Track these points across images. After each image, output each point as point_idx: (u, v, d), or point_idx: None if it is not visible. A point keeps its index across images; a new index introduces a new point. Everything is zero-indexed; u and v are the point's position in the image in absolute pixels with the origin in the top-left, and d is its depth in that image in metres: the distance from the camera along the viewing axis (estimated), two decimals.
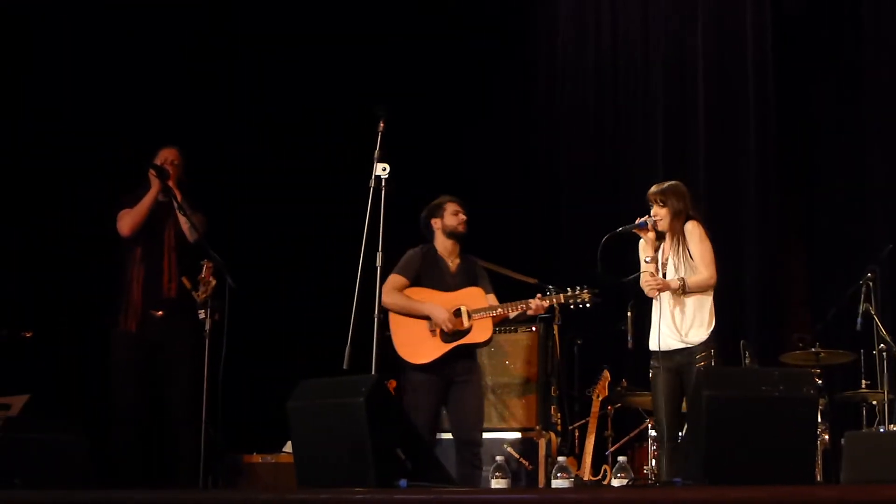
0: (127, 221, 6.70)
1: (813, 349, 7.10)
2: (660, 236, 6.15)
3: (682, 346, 5.96)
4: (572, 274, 7.44)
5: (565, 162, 9.48)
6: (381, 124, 6.10)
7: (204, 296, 6.30)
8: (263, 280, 8.01)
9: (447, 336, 6.18)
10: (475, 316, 6.20)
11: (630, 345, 6.75)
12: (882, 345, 6.83)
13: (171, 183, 6.68)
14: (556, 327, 7.69)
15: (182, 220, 6.64)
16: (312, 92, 9.09)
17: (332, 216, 8.37)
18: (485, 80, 9.65)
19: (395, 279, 6.26)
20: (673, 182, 6.24)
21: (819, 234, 8.66)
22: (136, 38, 8.23)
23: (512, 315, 6.35)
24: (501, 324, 6.86)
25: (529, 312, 6.28)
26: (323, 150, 8.91)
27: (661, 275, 6.05)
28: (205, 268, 6.34)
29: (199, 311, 6.30)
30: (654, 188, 6.16)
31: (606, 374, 7.79)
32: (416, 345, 6.19)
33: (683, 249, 6.02)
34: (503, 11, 9.66)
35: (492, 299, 6.33)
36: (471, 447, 6.17)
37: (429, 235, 6.46)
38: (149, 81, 8.22)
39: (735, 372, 5.92)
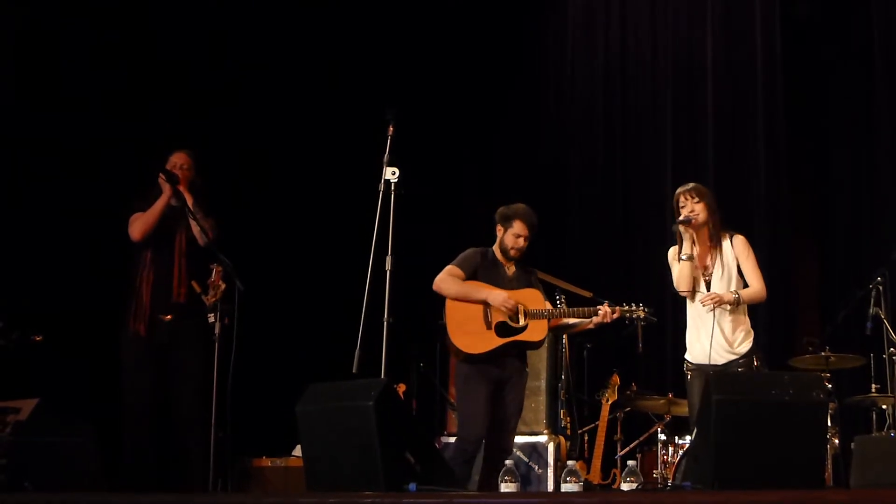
0: (138, 226, 6.71)
1: (823, 353, 7.09)
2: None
3: (732, 358, 6.01)
4: (578, 279, 7.48)
5: (575, 164, 9.49)
6: (391, 128, 6.10)
7: (213, 300, 6.31)
8: (273, 284, 8.00)
9: (501, 331, 6.14)
10: (531, 315, 6.16)
11: (640, 349, 6.75)
12: (892, 349, 6.83)
13: (181, 187, 6.70)
14: None
15: (193, 224, 6.64)
16: (322, 95, 9.10)
17: (341, 220, 8.37)
18: (495, 83, 9.66)
19: (452, 269, 6.23)
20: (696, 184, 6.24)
21: (829, 237, 8.66)
22: (144, 44, 8.25)
23: (570, 322, 6.31)
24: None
25: (596, 320, 6.18)
26: (333, 153, 8.92)
27: (703, 283, 6.06)
28: (214, 272, 6.35)
29: (209, 315, 6.31)
30: (683, 187, 6.15)
31: (616, 378, 7.79)
32: (471, 335, 6.14)
33: (731, 260, 6.05)
34: (513, 15, 9.67)
35: (547, 306, 6.29)
36: (501, 453, 6.11)
37: (494, 234, 6.41)
38: (162, 85, 8.23)
39: (745, 376, 5.91)
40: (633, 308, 6.19)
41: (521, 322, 6.16)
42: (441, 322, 6.23)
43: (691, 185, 6.17)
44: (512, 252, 6.30)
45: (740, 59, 8.86)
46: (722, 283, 6.03)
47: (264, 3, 8.99)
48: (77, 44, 8.00)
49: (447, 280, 6.20)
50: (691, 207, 6.07)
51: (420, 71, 9.26)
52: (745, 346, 6.04)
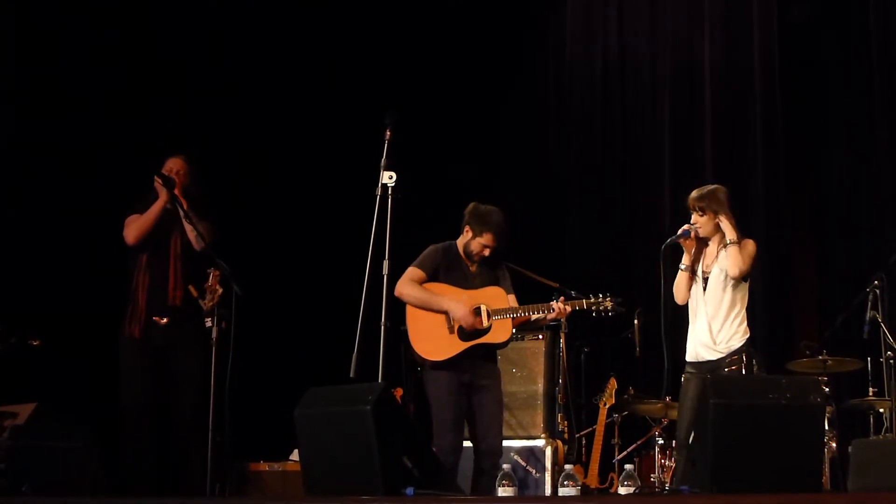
0: (133, 229, 6.72)
1: (820, 357, 7.09)
2: (700, 243, 6.16)
3: (717, 356, 5.99)
4: (578, 280, 7.48)
5: (574, 168, 9.49)
6: (388, 132, 6.09)
7: (211, 304, 6.31)
8: (270, 288, 8.00)
9: (465, 334, 6.02)
10: (495, 316, 6.05)
11: (637, 353, 6.75)
12: (889, 352, 6.81)
13: (176, 191, 6.69)
14: (562, 335, 7.69)
15: (188, 228, 6.64)
16: (322, 95, 9.10)
17: (339, 224, 8.36)
18: (494, 84, 9.66)
19: (412, 272, 6.10)
20: (712, 186, 6.21)
21: (829, 238, 8.65)
22: (144, 44, 8.26)
23: (533, 317, 6.18)
24: (518, 328, 6.58)
25: (550, 316, 6.13)
26: (331, 156, 8.91)
27: (701, 284, 6.07)
28: (211, 276, 6.35)
29: (206, 320, 6.30)
30: (693, 194, 6.14)
31: (613, 381, 7.78)
32: (433, 340, 6.02)
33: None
34: (512, 16, 9.66)
35: (512, 300, 6.18)
36: (490, 456, 6.02)
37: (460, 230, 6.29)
38: (161, 87, 8.24)
39: (742, 379, 5.91)
40: (600, 300, 6.13)
41: (485, 323, 6.06)
42: (403, 328, 6.12)
43: (695, 194, 6.13)
44: (475, 258, 6.19)
45: (739, 59, 8.85)
46: (717, 284, 6.03)
47: (264, 3, 8.99)
48: (77, 44, 8.01)
49: (408, 285, 6.06)
50: (695, 219, 6.08)
51: (419, 72, 9.25)
52: (730, 346, 5.98)
